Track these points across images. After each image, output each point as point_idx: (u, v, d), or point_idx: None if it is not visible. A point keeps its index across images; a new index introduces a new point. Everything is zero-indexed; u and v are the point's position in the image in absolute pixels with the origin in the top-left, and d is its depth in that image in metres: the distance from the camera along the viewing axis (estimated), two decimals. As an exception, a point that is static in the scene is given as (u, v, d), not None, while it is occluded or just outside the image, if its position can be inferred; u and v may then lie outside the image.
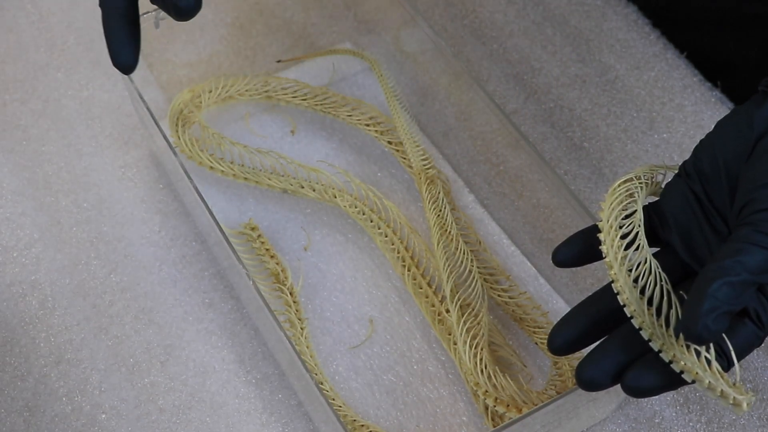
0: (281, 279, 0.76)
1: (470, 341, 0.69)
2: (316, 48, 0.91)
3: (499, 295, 0.75)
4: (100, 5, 0.67)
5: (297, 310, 0.74)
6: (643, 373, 0.55)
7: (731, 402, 0.53)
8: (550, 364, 0.72)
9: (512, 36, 0.93)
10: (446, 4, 0.96)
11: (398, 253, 0.77)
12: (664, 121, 0.87)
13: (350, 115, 0.85)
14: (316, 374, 0.71)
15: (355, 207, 0.79)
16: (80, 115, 0.87)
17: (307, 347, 0.73)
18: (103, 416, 0.72)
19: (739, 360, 0.55)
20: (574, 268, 0.76)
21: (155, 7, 0.81)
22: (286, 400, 0.73)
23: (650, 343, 0.55)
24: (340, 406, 0.70)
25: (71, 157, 0.84)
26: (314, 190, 0.80)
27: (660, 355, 0.54)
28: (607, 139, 0.86)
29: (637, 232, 0.58)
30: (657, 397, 0.73)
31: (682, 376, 0.54)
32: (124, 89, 0.88)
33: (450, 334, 0.72)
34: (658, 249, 0.61)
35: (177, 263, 0.79)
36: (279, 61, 0.88)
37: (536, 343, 0.73)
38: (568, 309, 0.76)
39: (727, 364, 0.54)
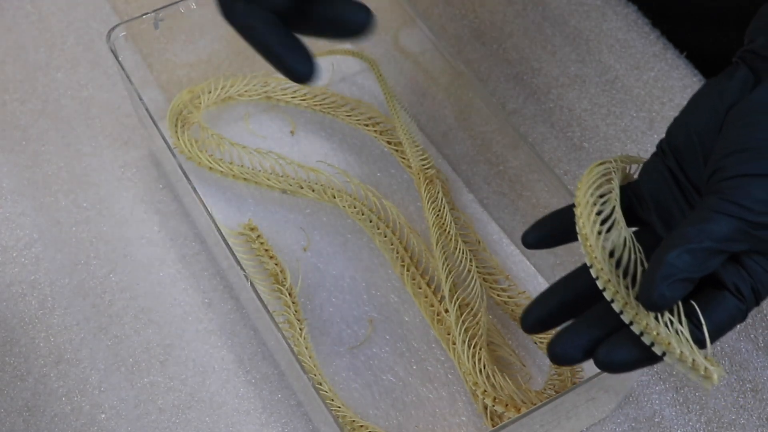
0: (280, 279, 0.76)
1: (469, 341, 0.69)
2: (315, 48, 0.90)
3: (498, 295, 0.75)
4: (242, 22, 0.57)
5: (296, 311, 0.75)
6: (616, 347, 0.55)
7: (702, 373, 0.52)
8: (549, 363, 0.72)
9: (512, 36, 0.93)
10: (446, 4, 0.96)
11: (397, 253, 0.77)
12: (664, 121, 0.87)
13: (350, 115, 0.85)
14: (314, 375, 0.71)
15: (355, 207, 0.79)
16: (80, 115, 0.87)
17: (306, 348, 0.73)
18: (103, 416, 0.72)
19: (721, 335, 0.54)
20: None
21: (154, 7, 0.81)
22: (285, 400, 0.73)
23: (622, 316, 0.54)
24: (339, 407, 0.70)
25: (71, 157, 0.84)
26: (313, 191, 0.80)
27: (632, 327, 0.54)
28: (607, 139, 0.86)
29: (614, 207, 0.58)
30: (657, 396, 0.73)
31: (653, 348, 0.53)
32: (123, 89, 0.88)
33: (449, 334, 0.72)
34: (637, 228, 0.60)
35: (177, 263, 0.79)
36: (278, 62, 0.88)
37: (535, 343, 0.73)
38: (568, 309, 0.76)
39: (703, 341, 0.54)
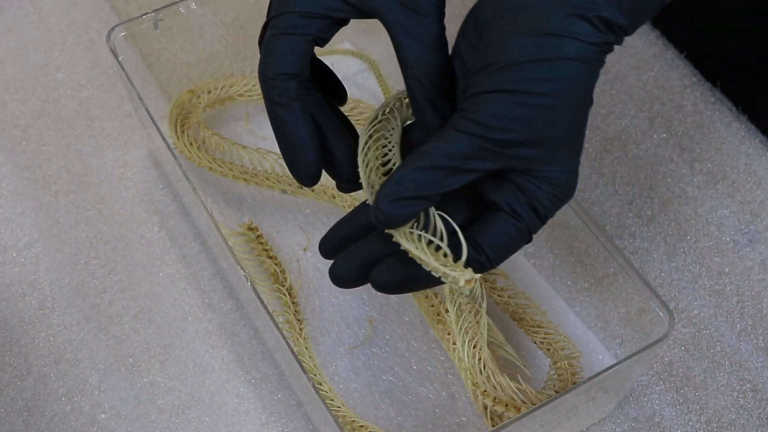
0: (280, 280, 0.76)
1: (469, 341, 0.69)
2: (316, 48, 0.91)
3: (498, 295, 0.75)
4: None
5: (296, 311, 0.75)
6: (387, 267, 0.56)
7: (450, 280, 0.54)
8: (549, 363, 0.72)
9: (512, 36, 0.93)
10: (446, 5, 0.96)
11: (397, 253, 0.77)
12: (663, 121, 0.87)
13: (349, 115, 0.85)
14: (314, 375, 0.71)
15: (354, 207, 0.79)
16: (80, 115, 0.87)
17: (306, 348, 0.73)
18: (103, 416, 0.72)
19: (505, 254, 0.56)
20: (575, 271, 0.76)
21: (154, 7, 0.81)
22: (285, 400, 0.73)
23: (395, 239, 0.56)
24: (339, 407, 0.70)
25: (71, 157, 0.84)
26: (313, 191, 0.80)
27: (401, 247, 0.56)
28: (607, 139, 0.86)
29: (390, 139, 0.60)
30: (657, 396, 0.73)
31: (423, 266, 0.55)
32: (123, 89, 0.88)
33: (449, 334, 0.72)
34: None
35: (176, 263, 0.79)
36: (278, 62, 0.88)
37: (536, 343, 0.73)
38: (568, 309, 0.76)
39: (486, 259, 0.55)
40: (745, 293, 0.78)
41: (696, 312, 0.77)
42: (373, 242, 0.58)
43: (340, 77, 0.91)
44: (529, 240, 0.56)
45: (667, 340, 0.68)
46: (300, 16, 0.58)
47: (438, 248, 0.55)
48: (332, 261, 0.60)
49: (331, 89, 0.65)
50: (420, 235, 0.55)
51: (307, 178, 0.61)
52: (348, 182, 0.62)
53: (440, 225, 0.55)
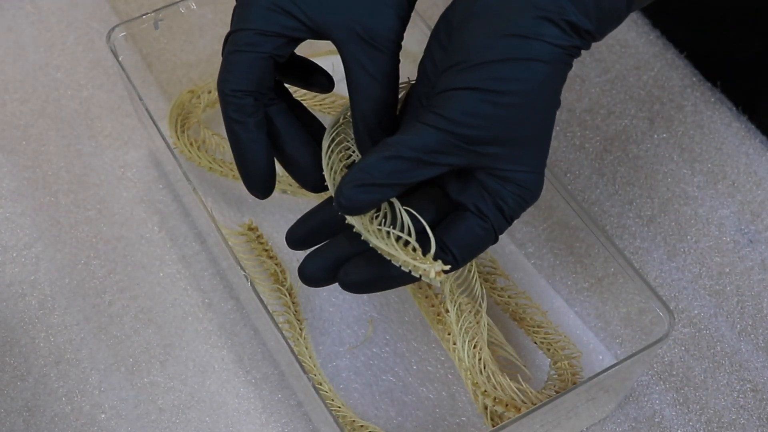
0: (280, 280, 0.76)
1: (469, 341, 0.69)
2: (315, 48, 0.91)
3: (498, 295, 0.75)
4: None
5: (296, 311, 0.75)
6: (354, 267, 0.57)
7: (420, 273, 0.55)
8: (549, 363, 0.72)
9: (512, 36, 0.93)
10: (446, 4, 0.96)
11: (397, 253, 0.77)
12: (664, 121, 0.87)
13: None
14: (315, 375, 0.71)
15: (355, 207, 0.79)
16: (80, 115, 0.87)
17: (306, 348, 0.73)
18: (103, 416, 0.72)
19: (472, 253, 0.57)
20: (575, 271, 0.76)
21: (154, 7, 0.81)
22: (285, 400, 0.73)
23: (363, 236, 0.57)
24: (339, 407, 0.70)
25: (71, 157, 0.84)
26: (313, 190, 0.80)
27: (370, 244, 0.57)
28: (607, 139, 0.86)
29: (352, 142, 0.61)
30: (657, 396, 0.73)
31: (393, 262, 0.56)
32: (123, 89, 0.88)
33: (449, 334, 0.72)
34: None
35: (177, 263, 0.79)
36: (278, 61, 0.88)
37: (536, 343, 0.73)
38: (568, 308, 0.76)
39: (453, 258, 0.56)
40: (745, 293, 0.78)
41: (696, 312, 0.77)
42: (342, 242, 0.59)
43: (340, 77, 0.91)
44: (495, 240, 0.57)
45: (667, 340, 0.68)
46: (256, 34, 0.59)
47: (407, 243, 0.56)
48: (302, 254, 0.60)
49: (316, 80, 0.66)
50: (389, 232, 0.56)
51: (258, 191, 0.62)
52: (315, 188, 0.62)
53: (407, 221, 0.56)
